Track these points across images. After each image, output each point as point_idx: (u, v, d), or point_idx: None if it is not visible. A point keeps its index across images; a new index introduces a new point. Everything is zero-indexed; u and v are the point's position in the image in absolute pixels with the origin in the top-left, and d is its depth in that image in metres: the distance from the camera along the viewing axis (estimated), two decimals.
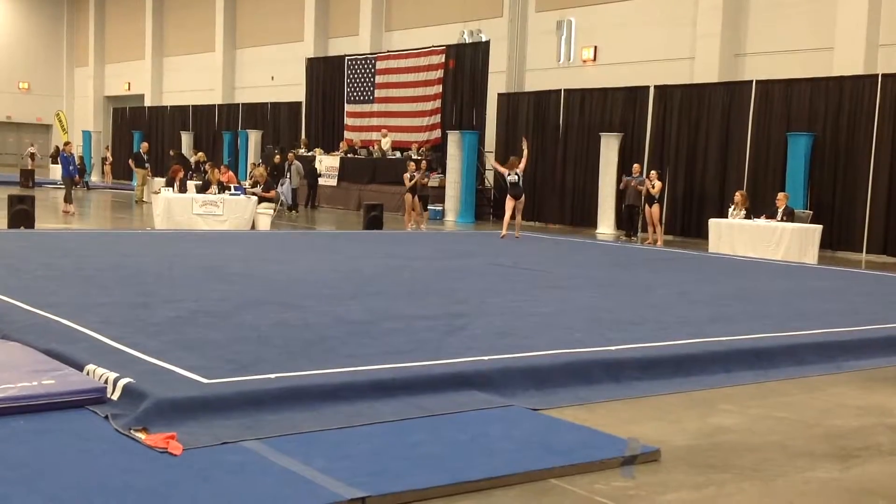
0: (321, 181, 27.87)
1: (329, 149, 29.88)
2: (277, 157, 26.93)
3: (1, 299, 8.03)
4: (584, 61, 25.00)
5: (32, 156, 37.27)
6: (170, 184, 19.26)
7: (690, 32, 22.25)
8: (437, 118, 27.02)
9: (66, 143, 25.48)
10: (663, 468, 4.85)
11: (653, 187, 18.92)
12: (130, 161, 29.89)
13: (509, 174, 17.72)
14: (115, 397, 5.29)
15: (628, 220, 20.75)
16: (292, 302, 8.72)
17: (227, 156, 32.86)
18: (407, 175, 20.62)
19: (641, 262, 14.95)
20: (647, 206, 19.22)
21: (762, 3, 21.12)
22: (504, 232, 18.09)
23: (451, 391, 5.85)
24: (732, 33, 21.51)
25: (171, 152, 30.75)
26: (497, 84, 25.83)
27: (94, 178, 38.88)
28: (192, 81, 40.38)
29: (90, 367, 5.68)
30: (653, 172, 19.48)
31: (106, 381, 5.42)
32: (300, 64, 32.57)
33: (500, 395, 5.93)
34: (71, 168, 22.72)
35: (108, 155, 40.19)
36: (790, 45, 20.44)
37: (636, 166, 20.38)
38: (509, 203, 17.76)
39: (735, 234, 16.99)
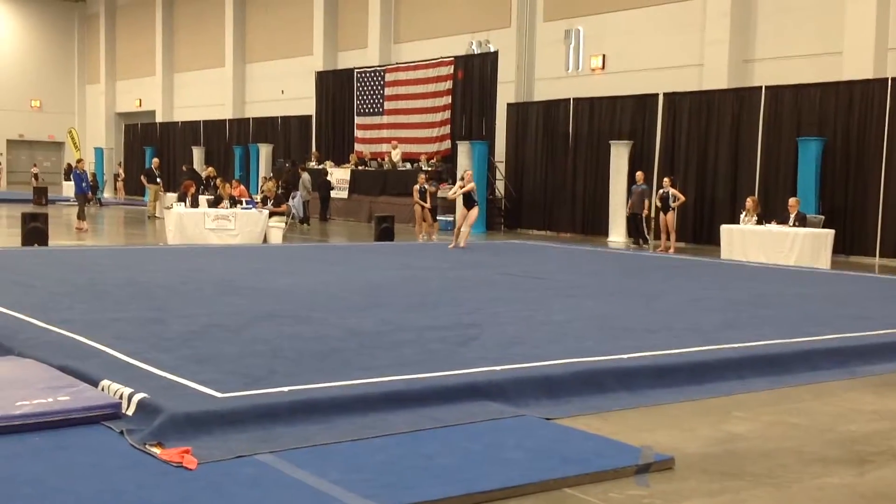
0: (332, 193, 27.95)
1: (340, 161, 29.96)
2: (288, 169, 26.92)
3: (16, 316, 8.10)
4: (593, 70, 25.02)
5: (36, 176, 37.80)
6: (182, 199, 19.35)
7: (699, 39, 22.25)
8: (446, 129, 27.06)
9: (79, 161, 25.67)
10: (677, 476, 4.85)
11: (674, 199, 18.92)
12: (142, 177, 30.09)
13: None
14: (129, 412, 5.32)
15: (634, 228, 20.84)
16: (304, 315, 8.75)
17: (239, 170, 32.99)
18: (416, 187, 20.65)
19: (653, 269, 14.93)
20: (661, 213, 19.27)
21: (770, 8, 21.10)
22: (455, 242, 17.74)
23: (464, 402, 5.86)
24: (741, 39, 21.50)
25: (183, 167, 30.88)
26: (506, 94, 25.86)
27: (107, 194, 39.10)
28: (203, 97, 40.58)
29: (105, 382, 5.72)
30: (665, 179, 19.51)
31: (121, 397, 5.46)
32: (310, 77, 32.70)
33: (513, 405, 5.94)
34: (84, 185, 22.89)
35: (121, 171, 40.44)
36: (799, 51, 20.41)
37: (639, 174, 20.44)
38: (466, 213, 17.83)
39: (747, 240, 16.95)
